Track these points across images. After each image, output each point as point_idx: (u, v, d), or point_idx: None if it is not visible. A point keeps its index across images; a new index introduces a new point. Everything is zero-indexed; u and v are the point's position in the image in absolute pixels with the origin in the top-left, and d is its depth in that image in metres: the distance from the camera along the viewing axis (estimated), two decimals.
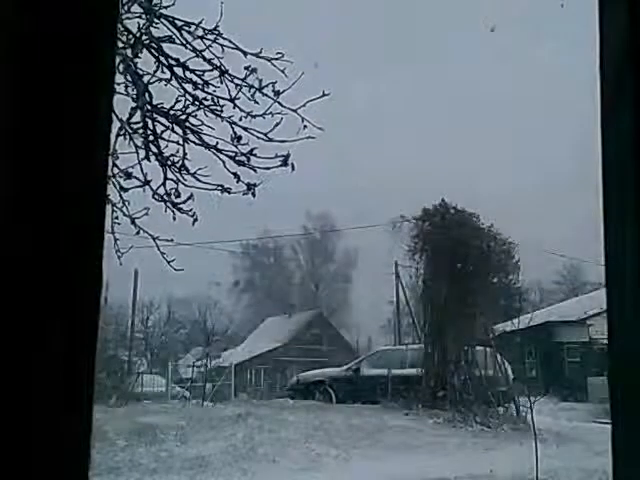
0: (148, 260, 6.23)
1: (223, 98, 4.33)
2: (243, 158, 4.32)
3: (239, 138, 4.33)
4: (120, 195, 4.43)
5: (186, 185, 4.39)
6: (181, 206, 4.42)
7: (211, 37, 4.21)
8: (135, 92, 4.20)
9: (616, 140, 0.89)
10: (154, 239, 4.55)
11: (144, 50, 4.17)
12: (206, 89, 4.34)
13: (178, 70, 4.26)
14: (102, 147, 0.81)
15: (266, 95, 4.29)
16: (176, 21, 4.22)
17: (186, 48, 4.24)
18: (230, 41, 4.25)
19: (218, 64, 4.28)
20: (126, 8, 4.03)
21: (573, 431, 12.80)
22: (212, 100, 4.35)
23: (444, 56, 38.66)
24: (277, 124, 4.23)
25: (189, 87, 4.31)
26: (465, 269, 14.60)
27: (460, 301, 14.24)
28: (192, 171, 4.36)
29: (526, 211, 31.34)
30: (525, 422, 11.56)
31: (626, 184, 0.86)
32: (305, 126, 4.26)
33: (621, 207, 0.87)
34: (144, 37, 4.16)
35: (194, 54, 4.24)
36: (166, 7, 4.21)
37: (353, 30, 40.33)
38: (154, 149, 4.37)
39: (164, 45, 4.23)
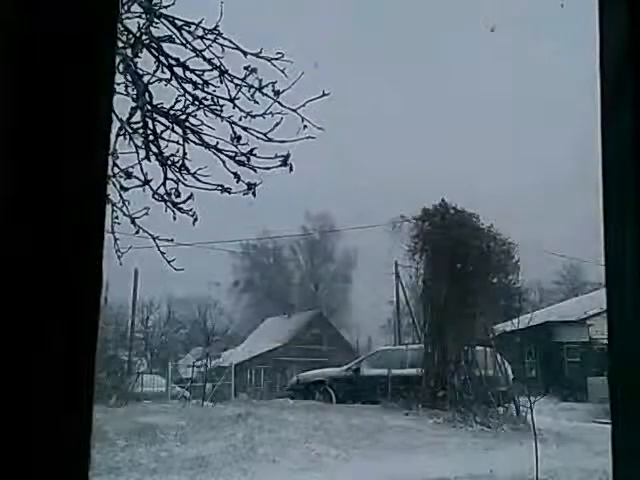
0: (148, 260, 6.23)
1: (223, 98, 4.33)
2: (243, 158, 4.32)
3: (239, 138, 4.33)
4: (120, 195, 4.43)
5: (186, 185, 4.39)
6: (181, 206, 4.42)
7: (211, 37, 4.21)
8: (135, 92, 4.20)
9: (616, 140, 0.89)
10: (154, 239, 4.55)
11: (144, 50, 4.17)
12: (206, 89, 4.34)
13: (178, 70, 4.26)
14: (102, 147, 0.81)
15: (266, 95, 4.29)
16: (176, 21, 4.22)
17: (186, 48, 4.24)
18: (230, 41, 4.25)
19: (218, 64, 4.28)
20: (126, 8, 4.03)
21: (573, 431, 12.79)
22: (212, 100, 4.35)
23: (444, 56, 38.64)
24: (277, 124, 4.23)
25: (189, 87, 4.32)
26: (465, 269, 14.60)
27: (460, 301, 14.24)
28: (192, 171, 4.36)
29: (526, 211, 31.34)
30: (525, 422, 11.56)
31: (626, 184, 0.86)
32: (305, 126, 4.26)
33: (621, 207, 0.87)
34: (144, 37, 4.16)
35: (194, 54, 4.24)
36: (166, 7, 4.22)
37: (353, 30, 40.33)
38: (154, 149, 4.37)
39: (164, 45, 4.23)
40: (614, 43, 0.91)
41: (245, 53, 4.26)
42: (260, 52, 4.24)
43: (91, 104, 0.79)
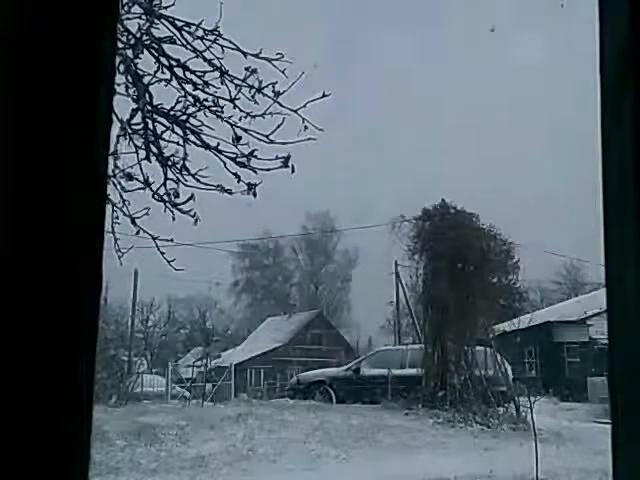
0: (148, 260, 6.23)
1: (223, 99, 4.33)
2: (243, 159, 4.32)
3: (239, 139, 4.33)
4: (120, 195, 4.43)
5: (186, 185, 4.39)
6: (181, 206, 4.42)
7: (211, 38, 4.21)
8: (135, 93, 4.20)
9: (616, 140, 0.89)
10: (154, 239, 4.54)
11: (144, 50, 4.17)
12: (206, 90, 4.34)
13: (178, 71, 4.26)
14: (102, 147, 0.81)
15: (266, 95, 4.29)
16: (176, 22, 4.22)
17: (186, 49, 4.24)
18: (230, 42, 4.25)
19: (218, 65, 4.28)
20: (126, 8, 4.03)
21: (573, 431, 12.79)
22: (212, 101, 4.35)
23: (444, 56, 38.67)
24: (279, 125, 4.23)
25: (189, 88, 4.31)
26: (465, 269, 14.61)
27: (460, 301, 14.24)
28: (192, 171, 4.36)
29: (526, 211, 31.36)
30: (525, 422, 11.57)
31: (626, 184, 0.86)
32: (306, 127, 4.26)
33: (621, 207, 0.87)
34: (144, 38, 4.16)
35: (194, 55, 4.24)
36: (166, 7, 4.22)
37: (353, 30, 40.35)
38: (154, 149, 4.37)
39: (164, 46, 4.23)
40: (614, 43, 0.91)
41: (245, 54, 4.26)
42: (260, 53, 4.24)
43: (91, 105, 0.79)
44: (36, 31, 0.76)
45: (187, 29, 4.22)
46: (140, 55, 4.16)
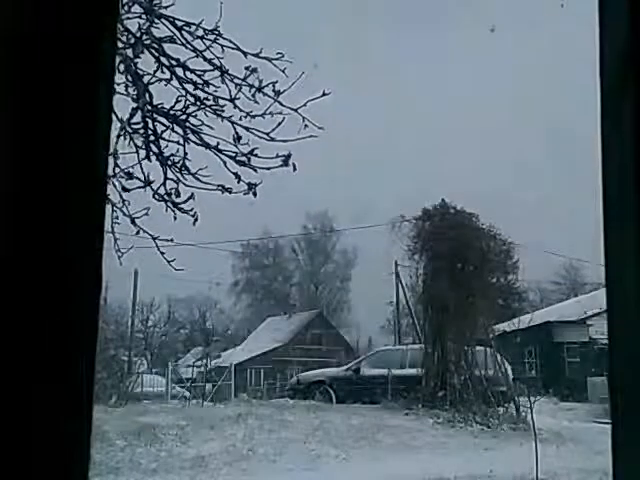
0: (148, 260, 6.23)
1: (223, 98, 4.33)
2: (244, 158, 4.32)
3: (239, 138, 4.33)
4: (120, 195, 4.43)
5: (187, 185, 4.39)
6: (181, 206, 4.42)
7: (211, 37, 4.21)
8: (135, 92, 4.20)
9: (616, 142, 0.89)
10: (154, 239, 4.54)
11: (144, 50, 4.16)
12: (206, 89, 4.33)
13: (178, 70, 4.26)
14: (102, 147, 0.81)
15: (266, 95, 4.29)
16: (176, 21, 4.22)
17: (186, 48, 4.24)
18: (230, 41, 4.25)
19: (218, 64, 4.28)
20: (126, 8, 4.03)
21: (573, 431, 12.79)
22: (212, 100, 4.35)
23: (444, 56, 38.67)
24: (279, 124, 4.23)
25: (189, 87, 4.31)
26: (465, 269, 14.61)
27: (460, 301, 14.24)
28: (193, 171, 4.36)
29: (526, 211, 31.37)
30: (525, 422, 11.57)
31: (626, 185, 0.86)
32: (306, 126, 4.26)
33: (621, 208, 0.87)
34: (144, 37, 4.16)
35: (194, 54, 4.24)
36: (166, 7, 4.21)
37: (353, 30, 40.34)
38: (155, 149, 4.37)
39: (164, 45, 4.23)
40: (614, 43, 0.91)
41: (245, 53, 4.26)
42: (260, 52, 4.24)
43: (91, 104, 0.79)
44: (36, 31, 0.76)
45: (187, 29, 4.22)
46: (140, 55, 4.16)
